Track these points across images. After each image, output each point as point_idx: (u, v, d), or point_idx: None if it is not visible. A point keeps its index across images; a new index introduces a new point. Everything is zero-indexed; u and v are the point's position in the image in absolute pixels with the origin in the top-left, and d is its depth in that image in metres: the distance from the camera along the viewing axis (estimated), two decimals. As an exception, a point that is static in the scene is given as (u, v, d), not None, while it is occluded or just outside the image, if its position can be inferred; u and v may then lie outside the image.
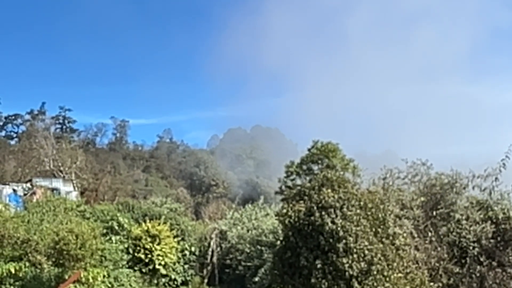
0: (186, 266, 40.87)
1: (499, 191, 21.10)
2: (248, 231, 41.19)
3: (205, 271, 41.52)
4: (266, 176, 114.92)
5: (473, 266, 18.78)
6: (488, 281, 17.89)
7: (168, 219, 42.64)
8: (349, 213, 17.63)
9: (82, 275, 26.09)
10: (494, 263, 18.50)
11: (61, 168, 73.08)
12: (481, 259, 18.99)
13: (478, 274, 18.35)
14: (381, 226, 18.21)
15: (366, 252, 17.08)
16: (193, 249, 41.74)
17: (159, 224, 39.77)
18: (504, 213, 20.20)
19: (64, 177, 69.88)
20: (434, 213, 20.52)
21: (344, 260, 16.91)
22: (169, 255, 39.09)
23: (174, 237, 40.67)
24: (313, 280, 17.16)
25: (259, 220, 42.19)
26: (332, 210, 17.65)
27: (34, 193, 50.38)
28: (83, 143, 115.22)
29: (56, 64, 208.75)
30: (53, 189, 56.06)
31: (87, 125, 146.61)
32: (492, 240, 19.28)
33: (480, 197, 21.38)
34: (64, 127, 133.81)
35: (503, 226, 19.63)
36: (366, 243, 17.19)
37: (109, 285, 30.91)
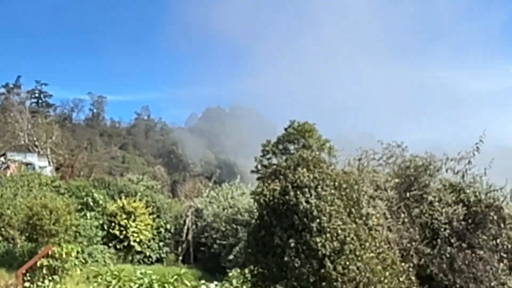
0: (161, 244, 40.98)
1: (472, 174, 21.29)
2: (224, 209, 41.37)
3: (180, 249, 41.68)
4: (244, 156, 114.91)
5: (443, 247, 19.00)
6: (457, 262, 18.13)
7: (144, 196, 42.61)
8: (323, 193, 17.69)
9: (56, 251, 25.94)
10: (464, 245, 18.75)
11: (36, 143, 72.25)
12: (452, 241, 19.22)
13: (448, 255, 18.58)
14: (355, 207, 18.33)
15: (339, 231, 17.19)
16: (168, 226, 41.83)
17: (134, 201, 39.73)
18: (475, 196, 20.42)
19: (39, 152, 69.15)
20: (408, 194, 20.67)
21: (318, 239, 17.00)
22: (144, 232, 39.13)
23: (150, 214, 40.70)
24: (286, 259, 17.25)
25: (235, 199, 42.37)
26: (306, 189, 17.69)
27: (8, 167, 49.87)
28: (59, 118, 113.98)
29: (32, 38, 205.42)
30: (27, 164, 55.53)
31: (63, 100, 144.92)
32: (463, 222, 19.51)
33: (453, 180, 21.55)
34: (40, 101, 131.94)
35: (474, 208, 19.87)
36: (340, 223, 17.30)
37: (83, 261, 30.85)
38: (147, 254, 39.92)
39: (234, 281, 25.37)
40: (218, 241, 39.13)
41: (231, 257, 35.87)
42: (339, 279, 16.67)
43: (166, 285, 10.71)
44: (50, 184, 40.63)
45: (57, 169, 68.71)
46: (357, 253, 17.12)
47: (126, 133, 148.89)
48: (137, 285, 10.60)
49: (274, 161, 37.65)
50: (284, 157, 35.63)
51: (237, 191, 44.40)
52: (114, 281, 10.90)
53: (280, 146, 38.44)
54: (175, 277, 11.37)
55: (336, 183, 18.42)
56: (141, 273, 11.08)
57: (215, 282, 27.62)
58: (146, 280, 10.77)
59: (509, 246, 19.13)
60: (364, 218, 18.32)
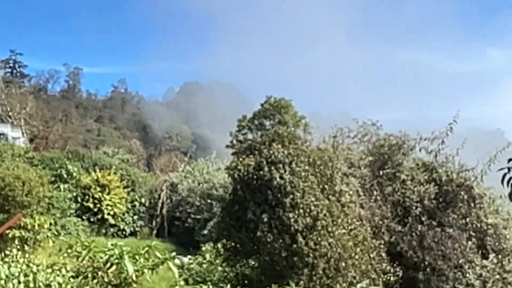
0: (135, 217, 40.79)
1: (445, 154, 21.59)
2: (199, 184, 41.30)
3: (154, 223, 41.58)
4: (221, 132, 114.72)
5: (414, 225, 19.31)
6: (427, 240, 18.44)
7: (118, 169, 42.28)
8: (297, 169, 17.80)
9: (28, 222, 25.70)
10: (434, 223, 19.08)
11: (10, 113, 71.10)
12: (423, 219, 19.54)
13: (418, 233, 18.89)
14: (328, 183, 18.49)
15: (312, 207, 17.35)
16: (143, 200, 41.62)
17: (109, 174, 39.39)
18: (447, 176, 20.73)
19: (12, 122, 68.10)
20: (381, 172, 20.90)
21: (290, 215, 17.14)
22: (118, 205, 38.89)
23: (124, 187, 40.42)
24: (259, 234, 17.37)
25: (210, 174, 42.28)
26: (281, 165, 17.77)
27: (-20, 137, 49.06)
28: (34, 89, 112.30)
29: (6, 7, 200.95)
30: (0, 134, 54.70)
31: (38, 71, 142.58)
32: (434, 201, 19.82)
33: (426, 159, 21.85)
34: (14, 71, 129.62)
35: (445, 187, 20.18)
36: (313, 199, 17.45)
37: (56, 233, 30.61)
38: (121, 227, 39.73)
39: (207, 255, 25.44)
40: (192, 216, 39.10)
41: (205, 231, 35.89)
42: (311, 254, 16.86)
43: (137, 256, 10.71)
44: (23, 155, 40.08)
45: (31, 140, 67.85)
46: (329, 229, 17.32)
47: (102, 106, 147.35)
48: (107, 256, 10.58)
49: (250, 136, 37.61)
50: (259, 133, 35.66)
51: (213, 166, 44.30)
52: (84, 252, 10.87)
53: (256, 122, 38.40)
54: (146, 248, 11.37)
55: (311, 160, 18.53)
56: (112, 245, 11.06)
57: (189, 256, 27.71)
58: (116, 251, 10.75)
59: (478, 225, 19.52)
60: (337, 195, 18.51)
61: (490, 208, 20.43)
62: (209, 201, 38.74)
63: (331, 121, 24.79)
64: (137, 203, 41.25)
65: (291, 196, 17.40)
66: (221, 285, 14.46)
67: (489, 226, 19.47)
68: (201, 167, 44.55)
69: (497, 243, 19.25)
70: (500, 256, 18.51)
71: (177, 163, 57.97)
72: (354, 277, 16.61)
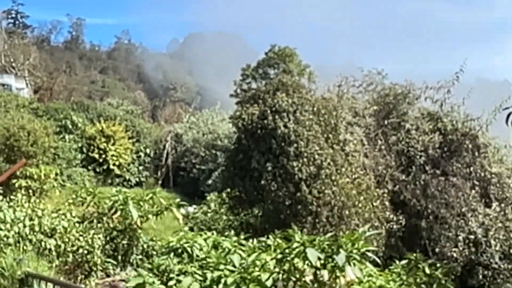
0: (140, 168, 41.07)
1: (450, 103, 21.38)
2: (203, 135, 41.39)
3: (159, 173, 41.89)
4: (225, 83, 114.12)
5: (418, 174, 19.30)
6: (431, 188, 18.47)
7: (123, 120, 42.31)
8: (302, 118, 17.74)
9: (34, 172, 25.89)
10: (438, 172, 19.07)
11: (13, 64, 70.73)
12: (426, 168, 19.51)
13: (422, 182, 18.90)
14: (333, 132, 18.45)
15: (316, 156, 17.37)
16: (148, 151, 41.81)
17: (114, 125, 39.45)
18: (452, 125, 20.58)
19: (16, 73, 67.83)
20: (386, 122, 20.77)
21: (294, 164, 17.18)
22: (123, 156, 39.09)
23: (129, 138, 40.54)
24: (263, 182, 17.46)
25: (215, 125, 42.31)
26: (285, 114, 17.72)
27: (-16, 88, 48.95)
28: (37, 40, 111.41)
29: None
30: (4, 85, 54.58)
31: (41, 22, 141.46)
32: (438, 150, 19.75)
33: (431, 109, 21.66)
34: (16, 22, 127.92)
35: (450, 137, 20.07)
36: (317, 148, 17.45)
37: (62, 183, 30.90)
38: (127, 177, 40.05)
39: (212, 205, 25.65)
40: (197, 166, 39.36)
41: (209, 181, 36.20)
42: (315, 203, 16.98)
43: (141, 203, 10.80)
44: (27, 106, 40.08)
45: (35, 92, 67.73)
46: (333, 178, 17.38)
47: (106, 57, 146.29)
48: (111, 202, 10.68)
49: (254, 85, 37.31)
50: (263, 82, 35.37)
51: (217, 117, 44.30)
52: (89, 198, 10.96)
53: (260, 71, 38.04)
54: (151, 195, 11.45)
55: (315, 109, 18.45)
56: (116, 191, 11.14)
57: (194, 206, 27.97)
58: (121, 197, 10.82)
59: (482, 174, 19.50)
60: (341, 144, 18.49)
61: (495, 158, 20.36)
62: (213, 151, 38.89)
63: (337, 72, 24.49)
64: (142, 154, 41.45)
65: (295, 145, 17.40)
66: (225, 233, 14.57)
67: (493, 175, 19.44)
68: (205, 117, 44.53)
69: (500, 192, 19.27)
70: (503, 205, 18.54)
71: (182, 114, 57.96)
72: (357, 225, 16.73)
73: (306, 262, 6.94)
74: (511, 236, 17.70)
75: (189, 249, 10.24)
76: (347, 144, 18.50)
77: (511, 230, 17.78)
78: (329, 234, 7.41)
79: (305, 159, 17.23)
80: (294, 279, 7.01)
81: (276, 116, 17.67)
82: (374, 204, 17.87)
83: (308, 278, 7.28)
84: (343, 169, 17.73)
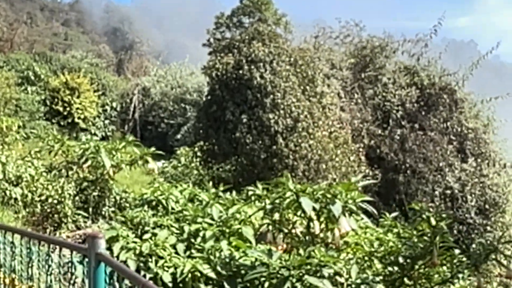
0: (106, 122, 39.94)
1: (427, 57, 21.12)
2: (172, 88, 40.34)
3: (126, 127, 40.88)
4: (193, 36, 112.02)
5: (394, 129, 19.05)
6: (408, 143, 18.24)
7: (88, 73, 40.91)
8: (278, 68, 17.11)
9: (-5, 124, 24.76)
10: (416, 126, 18.84)
11: (-29, 13, 67.71)
12: (403, 123, 19.27)
13: (399, 136, 18.67)
14: (310, 84, 17.90)
15: (293, 108, 16.84)
16: (114, 104, 40.63)
17: (78, 77, 38.10)
18: (429, 79, 20.34)
19: (-26, 22, 65.03)
20: (363, 75, 20.37)
21: (271, 116, 16.64)
22: (89, 109, 37.87)
23: (95, 91, 39.25)
24: (237, 135, 16.89)
25: (184, 78, 41.25)
26: (261, 64, 17.05)
27: None
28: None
29: None
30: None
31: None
32: (416, 104, 19.50)
33: (408, 63, 21.36)
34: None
35: (428, 91, 19.82)
36: (294, 100, 16.91)
37: (25, 136, 29.80)
38: (93, 131, 38.88)
39: (182, 159, 24.99)
40: (165, 120, 38.47)
41: (178, 136, 35.45)
42: (291, 156, 16.52)
43: (114, 151, 10.10)
44: (-14, 56, 38.41)
45: (-5, 42, 65.15)
46: (310, 130, 16.91)
47: (69, 9, 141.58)
48: (81, 150, 9.94)
49: (228, 35, 36.27)
50: (238, 31, 34.33)
51: (186, 71, 43.14)
52: (57, 146, 10.18)
53: (235, 19, 36.93)
54: (124, 143, 10.75)
55: (292, 59, 17.83)
56: (86, 139, 10.39)
57: (163, 161, 27.27)
58: (92, 144, 10.09)
59: (458, 129, 19.36)
60: (318, 97, 17.98)
61: (471, 113, 20.23)
62: (182, 105, 38.03)
63: (307, 29, 23.84)
64: (108, 107, 40.25)
65: (271, 96, 16.81)
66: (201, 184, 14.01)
67: (469, 130, 19.33)
68: (174, 71, 43.32)
69: (476, 148, 19.18)
70: (479, 160, 18.49)
71: (149, 68, 56.53)
72: (334, 179, 16.39)
73: (298, 213, 6.45)
74: (486, 191, 17.68)
75: (164, 202, 9.65)
76: (324, 96, 18.00)
77: (486, 185, 17.72)
78: (324, 183, 6.91)
79: (281, 111, 16.69)
80: (285, 231, 6.50)
81: (252, 66, 16.99)
82: (351, 158, 17.53)
83: (299, 230, 6.80)
84: (320, 122, 17.26)
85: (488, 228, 17.82)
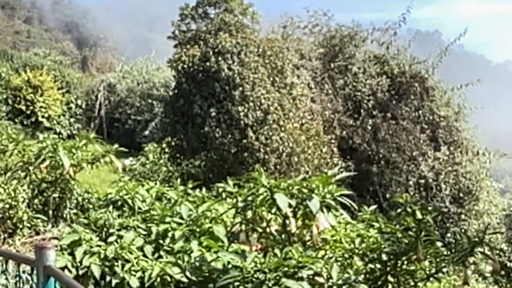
0: (72, 120, 38.89)
1: (397, 46, 20.91)
2: (138, 84, 39.47)
3: (92, 125, 39.90)
4: (159, 31, 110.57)
5: (366, 119, 18.77)
6: (381, 132, 17.97)
7: (51, 70, 39.81)
8: (246, 59, 16.63)
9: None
10: (388, 115, 18.58)
11: None
12: (374, 113, 19.01)
13: (371, 126, 18.38)
14: (279, 75, 17.47)
15: (263, 101, 16.40)
16: (79, 102, 39.58)
17: (41, 75, 37.04)
18: (399, 68, 20.13)
19: None
20: (332, 65, 20.01)
21: (240, 109, 16.16)
22: (53, 107, 36.81)
23: (59, 89, 38.22)
24: (206, 129, 16.39)
25: (150, 74, 40.41)
26: (229, 55, 16.54)
27: None
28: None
29: None
30: None
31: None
32: (387, 94, 19.25)
33: (377, 52, 21.12)
34: None
35: (398, 80, 19.59)
36: (263, 92, 16.46)
37: (-14, 136, 28.79)
38: (57, 130, 37.77)
39: (150, 155, 24.32)
40: (132, 117, 37.58)
41: (146, 132, 34.65)
42: (262, 150, 16.08)
43: (74, 150, 9.49)
44: None
45: (-47, 41, 63.23)
46: (281, 123, 16.50)
47: (30, 6, 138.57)
48: (37, 149, 9.29)
49: (194, 27, 35.60)
50: (204, 23, 33.66)
51: (152, 66, 42.31)
52: (11, 145, 9.52)
53: (200, 10, 36.30)
54: (84, 141, 10.12)
55: (260, 50, 17.36)
56: (44, 137, 9.75)
57: (130, 158, 26.56)
58: (49, 142, 9.45)
59: (430, 118, 19.19)
60: (288, 88, 17.56)
61: (442, 101, 20.07)
62: (149, 101, 37.21)
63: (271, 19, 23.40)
64: (73, 105, 39.18)
65: (240, 88, 16.33)
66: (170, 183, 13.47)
67: (441, 119, 19.17)
68: (140, 66, 42.42)
69: (448, 136, 19.03)
70: (451, 148, 18.32)
71: (114, 63, 55.45)
72: (307, 172, 16.02)
73: (273, 210, 5.98)
74: (460, 179, 17.52)
75: (130, 201, 9.10)
76: (294, 87, 17.58)
77: (460, 173, 17.56)
78: (300, 177, 6.43)
79: (251, 104, 16.22)
80: (260, 230, 6.02)
81: (219, 58, 16.47)
82: (323, 150, 17.16)
83: (273, 228, 6.32)
84: (291, 114, 16.86)
85: (463, 216, 17.69)
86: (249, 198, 6.02)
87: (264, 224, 6.14)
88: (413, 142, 17.72)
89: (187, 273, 6.18)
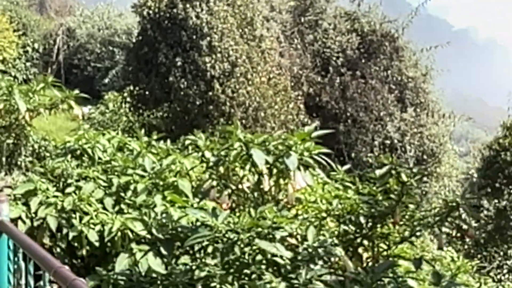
0: (28, 64, 37.48)
1: (368, 3, 20.56)
2: (99, 30, 38.09)
3: (49, 70, 38.53)
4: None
5: (335, 77, 18.46)
6: (349, 91, 17.70)
7: (7, 11, 38.07)
8: (216, 8, 15.97)
9: None
10: (357, 74, 18.31)
11: None
12: (343, 71, 18.71)
13: (340, 84, 18.10)
14: (248, 27, 16.90)
15: (231, 52, 15.85)
16: (36, 45, 38.09)
17: (-4, 14, 35.40)
18: (370, 26, 19.81)
19: None
20: (302, 19, 19.53)
21: (207, 59, 15.59)
22: (8, 50, 35.31)
23: (14, 31, 36.63)
24: (171, 79, 15.80)
25: (112, 19, 39.03)
26: (197, 3, 15.87)
27: None
28: None
29: None
30: None
31: None
32: (356, 51, 18.94)
33: (348, 8, 20.74)
34: None
35: (369, 38, 19.27)
36: (232, 43, 15.90)
37: None
38: (13, 74, 36.37)
39: (110, 104, 23.55)
40: (92, 64, 36.36)
41: (106, 80, 33.62)
42: (228, 103, 15.63)
43: (30, 93, 8.89)
44: None
45: None
46: (248, 76, 16.02)
47: None
48: (-10, 91, 8.66)
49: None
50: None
51: (114, 11, 40.86)
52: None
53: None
54: (42, 85, 9.50)
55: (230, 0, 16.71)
56: (-3, 78, 9.09)
57: (89, 106, 25.73)
58: (3, 84, 8.82)
59: (399, 78, 19.02)
60: (257, 40, 17.03)
61: (410, 62, 19.91)
62: (110, 48, 36.02)
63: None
64: (29, 49, 37.65)
65: (208, 38, 15.71)
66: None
67: (409, 79, 19.04)
68: (101, 11, 40.88)
69: (415, 97, 18.94)
70: (418, 110, 18.26)
71: (74, 7, 53.39)
72: (273, 128, 15.69)
73: (247, 166, 5.60)
74: (424, 141, 17.51)
75: (90, 151, 8.60)
76: (263, 40, 17.07)
77: (425, 135, 17.55)
78: (278, 132, 6.05)
79: (218, 55, 15.66)
80: (233, 187, 5.64)
81: (187, 5, 15.77)
82: (290, 106, 16.82)
83: (245, 185, 5.96)
84: (259, 68, 16.39)
85: (425, 178, 17.74)
86: (222, 153, 5.61)
87: (237, 181, 5.76)
88: (381, 102, 17.54)
89: (153, 230, 5.79)
